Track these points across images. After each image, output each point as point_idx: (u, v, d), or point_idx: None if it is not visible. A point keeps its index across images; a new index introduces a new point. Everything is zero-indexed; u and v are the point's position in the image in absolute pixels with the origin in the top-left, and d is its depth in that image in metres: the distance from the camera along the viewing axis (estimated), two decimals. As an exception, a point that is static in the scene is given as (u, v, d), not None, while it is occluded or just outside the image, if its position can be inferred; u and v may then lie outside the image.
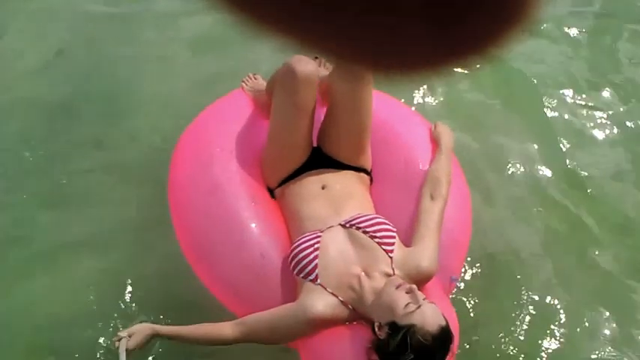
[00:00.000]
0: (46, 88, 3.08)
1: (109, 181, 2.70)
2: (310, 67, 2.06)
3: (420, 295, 1.76)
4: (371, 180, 2.30)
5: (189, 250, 2.10)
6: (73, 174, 2.72)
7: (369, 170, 2.29)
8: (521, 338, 2.38)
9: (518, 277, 2.57)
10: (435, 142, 2.32)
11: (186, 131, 2.31)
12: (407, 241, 2.03)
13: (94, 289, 2.38)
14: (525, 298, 2.49)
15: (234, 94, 2.46)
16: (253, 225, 2.02)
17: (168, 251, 2.28)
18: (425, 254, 1.96)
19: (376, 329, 1.76)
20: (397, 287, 1.78)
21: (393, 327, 1.71)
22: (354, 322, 1.89)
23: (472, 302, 2.44)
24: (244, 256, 1.99)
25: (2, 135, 2.89)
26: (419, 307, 1.72)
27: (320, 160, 2.25)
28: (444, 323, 1.73)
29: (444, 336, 1.71)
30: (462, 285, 2.47)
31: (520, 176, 2.94)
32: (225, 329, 1.93)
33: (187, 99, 2.94)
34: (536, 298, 2.51)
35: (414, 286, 1.78)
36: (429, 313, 1.72)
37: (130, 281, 2.40)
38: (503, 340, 2.37)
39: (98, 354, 2.19)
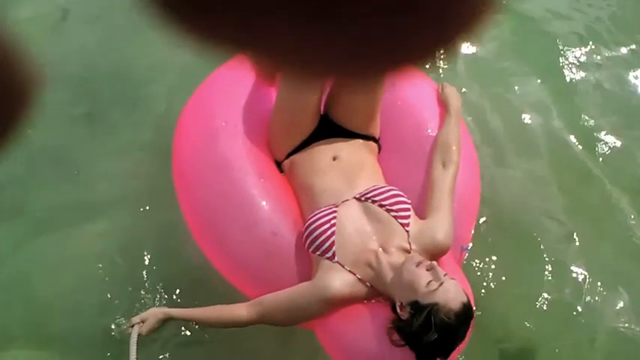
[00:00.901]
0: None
1: (110, 151, 2.60)
2: None
3: (440, 271, 1.72)
4: (379, 148, 2.23)
5: (197, 231, 2.04)
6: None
7: (377, 138, 2.22)
8: (535, 305, 2.37)
9: (531, 240, 2.55)
10: (443, 104, 2.24)
11: (187, 104, 2.20)
12: (419, 212, 1.98)
13: (96, 267, 2.32)
14: (539, 263, 2.47)
15: (233, 64, 2.32)
16: (263, 203, 1.95)
17: (172, 221, 2.22)
18: (441, 227, 1.92)
19: (398, 309, 1.73)
20: (417, 265, 1.74)
21: (416, 306, 1.68)
22: (372, 300, 1.85)
23: (482, 269, 2.42)
24: (255, 235, 1.92)
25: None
26: (441, 284, 1.68)
27: (328, 128, 2.16)
28: (465, 299, 1.70)
29: (466, 312, 1.69)
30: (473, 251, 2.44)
31: (534, 135, 2.87)
32: (240, 311, 1.89)
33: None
34: (550, 263, 2.49)
35: (435, 263, 1.74)
36: (452, 291, 1.68)
37: (134, 257, 2.34)
38: (514, 306, 2.37)
39: (106, 339, 2.15)
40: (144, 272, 2.30)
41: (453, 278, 1.74)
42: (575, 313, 2.39)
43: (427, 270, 1.72)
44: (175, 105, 2.35)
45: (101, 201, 2.45)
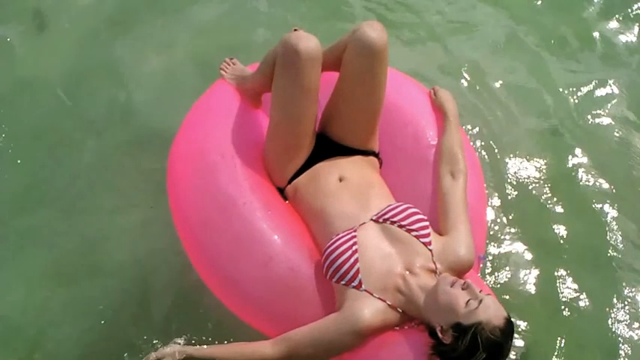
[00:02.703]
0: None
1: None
2: (313, 43, 1.85)
3: (476, 288, 1.66)
4: (380, 162, 2.15)
5: (208, 275, 1.90)
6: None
7: (377, 152, 2.14)
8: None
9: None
10: (438, 109, 2.18)
11: (177, 138, 2.06)
12: (434, 226, 1.91)
13: (110, 311, 2.24)
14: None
15: (218, 86, 2.21)
16: (275, 237, 1.83)
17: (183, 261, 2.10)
18: (463, 243, 1.85)
19: (439, 334, 1.65)
20: (452, 285, 1.67)
21: (459, 328, 1.61)
22: (405, 326, 1.76)
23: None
24: (271, 272, 1.80)
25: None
26: (480, 301, 1.61)
27: (326, 147, 2.07)
28: (506, 313, 1.65)
29: (510, 326, 1.63)
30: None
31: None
32: (264, 349, 1.77)
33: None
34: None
35: (469, 281, 1.67)
36: (492, 307, 1.62)
37: (145, 297, 2.28)
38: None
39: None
40: (157, 313, 2.23)
41: (488, 294, 1.68)
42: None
43: (463, 289, 1.65)
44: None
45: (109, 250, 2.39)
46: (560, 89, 3.14)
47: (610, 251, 2.57)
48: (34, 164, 2.62)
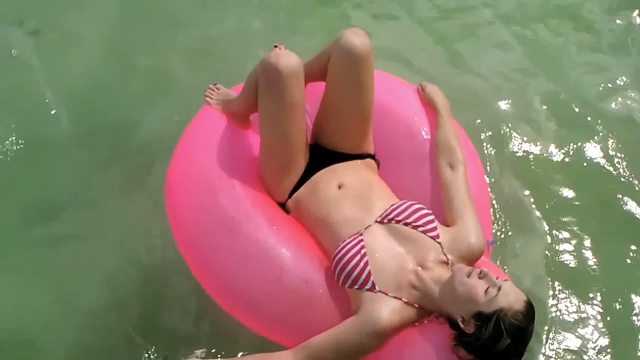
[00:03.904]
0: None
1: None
2: (293, 59, 1.85)
3: (493, 276, 1.65)
4: (377, 163, 2.15)
5: (221, 297, 1.88)
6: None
7: (373, 154, 2.14)
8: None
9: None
10: (428, 104, 2.19)
11: (170, 168, 2.05)
12: (440, 219, 1.91)
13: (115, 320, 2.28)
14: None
15: (204, 113, 2.21)
16: (283, 250, 1.82)
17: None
18: (472, 231, 1.86)
19: (461, 324, 1.64)
20: (468, 275, 1.66)
21: (481, 317, 1.60)
22: (424, 321, 1.76)
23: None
24: (285, 286, 1.79)
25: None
26: (499, 288, 1.61)
27: (322, 156, 2.07)
28: (525, 297, 1.64)
29: (531, 309, 1.63)
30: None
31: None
32: (285, 358, 1.75)
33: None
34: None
35: (485, 269, 1.67)
36: (512, 292, 1.62)
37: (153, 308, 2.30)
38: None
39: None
40: (166, 322, 2.27)
41: (505, 279, 1.68)
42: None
43: (480, 278, 1.65)
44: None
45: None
46: (559, 72, 3.21)
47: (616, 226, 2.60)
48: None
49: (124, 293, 2.34)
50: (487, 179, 2.31)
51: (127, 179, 2.65)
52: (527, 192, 2.67)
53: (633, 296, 2.41)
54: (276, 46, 2.06)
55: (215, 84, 2.30)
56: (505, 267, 2.38)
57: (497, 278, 1.65)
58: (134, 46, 3.19)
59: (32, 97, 2.96)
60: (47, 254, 2.43)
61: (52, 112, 2.89)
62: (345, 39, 1.91)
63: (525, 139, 2.89)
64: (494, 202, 2.55)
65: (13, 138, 2.76)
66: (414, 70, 3.11)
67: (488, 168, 2.69)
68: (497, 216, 2.55)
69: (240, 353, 2.02)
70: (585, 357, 2.28)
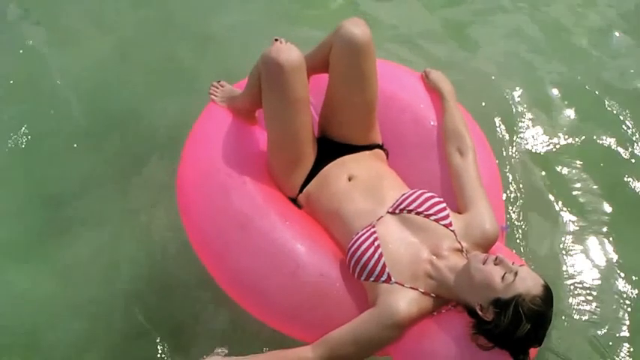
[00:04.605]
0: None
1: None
2: (294, 53, 1.83)
3: (508, 261, 1.64)
4: (386, 153, 2.14)
5: (238, 293, 1.88)
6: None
7: (382, 144, 2.13)
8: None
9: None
10: (434, 91, 2.17)
11: (181, 168, 2.04)
12: (452, 206, 1.90)
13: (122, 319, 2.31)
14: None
15: (209, 111, 2.20)
16: (298, 245, 1.81)
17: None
18: (485, 217, 1.84)
19: (479, 312, 1.63)
20: (484, 262, 1.65)
21: (499, 304, 1.59)
22: (442, 310, 1.75)
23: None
24: (302, 281, 1.78)
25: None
26: (516, 274, 1.60)
27: (330, 149, 2.06)
28: (542, 281, 1.63)
29: (549, 293, 1.62)
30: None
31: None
32: (306, 353, 1.75)
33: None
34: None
35: (501, 255, 1.66)
36: (529, 277, 1.61)
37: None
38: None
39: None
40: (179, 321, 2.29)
41: (522, 264, 1.67)
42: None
43: (496, 264, 1.64)
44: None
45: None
46: (572, 55, 3.19)
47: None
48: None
49: (136, 286, 2.38)
50: (498, 164, 2.27)
51: (133, 171, 2.68)
52: (539, 176, 2.67)
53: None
54: (276, 40, 2.03)
55: (219, 81, 2.28)
56: (520, 252, 2.37)
57: (513, 264, 1.64)
58: (139, 40, 3.19)
59: (37, 90, 2.98)
60: (54, 245, 2.46)
61: (58, 105, 2.92)
62: (344, 29, 1.89)
63: (537, 122, 2.89)
64: (506, 187, 2.53)
65: (22, 129, 2.79)
66: (422, 53, 3.09)
67: (499, 152, 2.68)
68: (511, 201, 2.53)
69: (265, 349, 2.02)
70: (601, 339, 2.28)
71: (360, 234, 1.81)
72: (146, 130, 2.81)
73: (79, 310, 2.32)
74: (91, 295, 2.35)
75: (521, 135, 2.83)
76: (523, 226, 2.48)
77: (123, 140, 2.80)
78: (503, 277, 1.60)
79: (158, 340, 2.24)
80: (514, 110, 2.90)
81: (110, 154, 2.75)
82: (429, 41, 3.17)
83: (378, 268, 1.74)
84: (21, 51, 3.11)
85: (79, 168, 2.70)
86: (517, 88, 3.00)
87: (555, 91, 3.00)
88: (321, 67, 2.03)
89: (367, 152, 2.08)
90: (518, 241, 2.41)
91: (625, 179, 2.69)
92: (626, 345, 2.28)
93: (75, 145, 2.77)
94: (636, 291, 2.39)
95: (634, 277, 2.42)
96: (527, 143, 2.81)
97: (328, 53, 1.97)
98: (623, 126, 2.87)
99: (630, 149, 2.78)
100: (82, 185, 2.64)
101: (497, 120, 2.85)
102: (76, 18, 3.26)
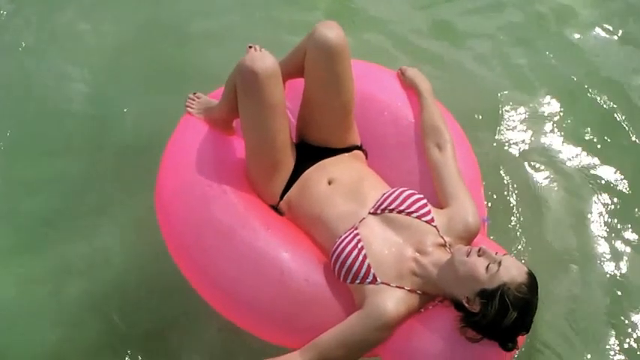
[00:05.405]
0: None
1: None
2: (269, 60, 1.84)
3: (491, 252, 1.66)
4: (365, 154, 2.15)
5: (224, 306, 1.87)
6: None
7: (360, 145, 2.13)
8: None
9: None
10: (410, 88, 2.18)
11: (159, 180, 2.03)
12: (433, 201, 1.91)
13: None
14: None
15: (186, 122, 2.19)
16: (282, 251, 1.81)
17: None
18: (467, 210, 1.86)
19: (466, 304, 1.64)
20: (468, 254, 1.66)
21: (485, 294, 1.60)
22: (429, 307, 1.76)
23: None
24: (287, 287, 1.78)
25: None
26: (499, 263, 1.61)
27: (309, 154, 2.06)
28: (526, 268, 1.65)
29: (533, 280, 1.64)
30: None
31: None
32: (294, 359, 1.74)
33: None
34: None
35: (484, 246, 1.67)
36: (512, 265, 1.63)
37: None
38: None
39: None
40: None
41: (504, 254, 1.68)
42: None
43: (479, 256, 1.65)
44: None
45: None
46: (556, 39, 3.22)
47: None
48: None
49: (125, 299, 2.37)
50: (484, 159, 2.29)
51: (128, 175, 2.67)
52: (523, 169, 2.68)
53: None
54: (250, 47, 2.03)
55: (194, 93, 2.28)
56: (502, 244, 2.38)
57: (496, 254, 1.65)
58: (138, 41, 3.18)
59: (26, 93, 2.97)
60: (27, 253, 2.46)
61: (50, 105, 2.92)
62: (318, 33, 1.89)
63: (519, 112, 2.89)
64: (488, 180, 2.55)
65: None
66: (410, 50, 3.12)
67: (482, 147, 2.67)
68: (490, 194, 2.55)
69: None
70: (580, 324, 2.32)
71: (342, 237, 1.81)
72: (138, 128, 2.81)
73: (55, 318, 2.30)
74: (68, 303, 2.34)
75: (505, 129, 2.83)
76: (505, 220, 2.49)
77: (115, 140, 2.80)
78: (487, 268, 1.61)
79: (140, 350, 2.23)
80: (499, 105, 2.91)
81: (105, 157, 2.75)
82: (418, 37, 3.18)
83: (363, 269, 1.75)
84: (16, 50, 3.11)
85: (61, 170, 2.69)
86: (503, 84, 3.03)
87: (540, 85, 3.01)
88: (296, 72, 2.03)
89: (346, 154, 2.08)
90: (500, 233, 2.41)
91: (604, 170, 2.72)
92: (610, 330, 2.31)
93: (62, 148, 2.77)
94: (618, 276, 2.42)
95: (615, 263, 2.45)
96: (510, 138, 2.81)
97: (303, 58, 1.97)
98: (608, 120, 2.89)
99: (610, 141, 2.80)
100: (72, 187, 2.64)
101: (480, 115, 2.86)
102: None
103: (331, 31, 1.89)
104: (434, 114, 2.07)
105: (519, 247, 2.45)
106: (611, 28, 3.28)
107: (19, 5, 3.27)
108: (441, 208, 1.90)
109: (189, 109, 2.23)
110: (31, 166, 2.71)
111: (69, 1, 3.30)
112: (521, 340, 1.68)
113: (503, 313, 1.57)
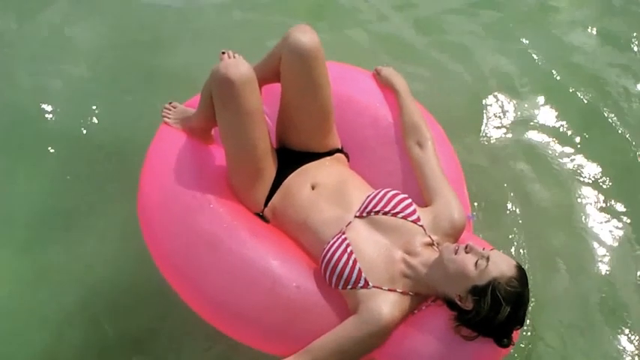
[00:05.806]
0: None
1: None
2: (243, 67, 1.81)
3: (479, 248, 1.66)
4: (347, 156, 2.13)
5: (216, 318, 1.83)
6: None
7: (341, 148, 2.12)
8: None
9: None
10: (387, 88, 2.18)
11: (140, 193, 1.98)
12: (417, 199, 1.90)
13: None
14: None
15: (163, 133, 2.15)
16: (271, 260, 1.78)
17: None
18: (452, 206, 1.86)
19: (459, 303, 1.64)
20: (456, 252, 1.67)
21: (476, 291, 1.61)
22: (423, 307, 1.75)
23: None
24: (279, 296, 1.75)
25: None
26: (488, 259, 1.62)
27: (290, 159, 2.04)
28: (515, 262, 1.66)
29: (523, 273, 1.65)
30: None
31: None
32: None
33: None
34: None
35: (471, 243, 1.68)
36: (500, 260, 1.64)
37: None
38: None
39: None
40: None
41: (492, 249, 1.69)
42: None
43: (467, 253, 1.66)
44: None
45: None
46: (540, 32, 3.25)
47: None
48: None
49: (113, 303, 2.33)
50: (461, 156, 2.28)
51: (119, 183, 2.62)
52: (505, 165, 2.71)
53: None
54: (223, 53, 1.99)
55: (170, 102, 2.24)
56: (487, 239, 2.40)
57: (483, 249, 1.66)
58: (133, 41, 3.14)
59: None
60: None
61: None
62: (292, 38, 1.87)
63: (502, 110, 2.92)
64: (470, 178, 2.57)
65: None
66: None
67: (464, 143, 2.71)
68: (475, 191, 2.56)
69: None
70: (572, 318, 2.36)
71: (331, 243, 1.79)
72: (116, 130, 2.78)
73: (42, 322, 2.26)
74: (59, 304, 2.29)
75: (488, 127, 2.86)
76: (490, 218, 2.51)
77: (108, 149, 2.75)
78: (476, 264, 1.62)
79: (128, 355, 2.21)
80: (482, 103, 2.94)
81: (99, 164, 2.70)
82: (400, 37, 3.19)
83: (354, 274, 1.73)
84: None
85: (42, 174, 2.64)
86: (485, 82, 3.04)
87: (522, 83, 3.04)
88: (272, 77, 2.01)
89: (328, 158, 2.07)
90: (486, 231, 2.43)
91: (588, 166, 2.75)
92: (601, 322, 2.35)
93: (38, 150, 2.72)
94: (606, 271, 2.45)
95: (603, 258, 2.49)
96: (493, 135, 2.84)
97: (278, 63, 1.95)
98: (590, 116, 2.94)
99: (592, 137, 2.84)
100: (55, 191, 2.60)
101: (463, 113, 2.87)
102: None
103: (305, 36, 1.87)
104: (413, 112, 2.06)
105: (506, 243, 2.47)
106: (591, 26, 3.35)
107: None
108: (426, 205, 1.90)
109: (165, 119, 2.19)
110: (7, 170, 2.65)
111: (47, 4, 3.24)
112: (515, 335, 1.68)
113: (496, 309, 1.58)
